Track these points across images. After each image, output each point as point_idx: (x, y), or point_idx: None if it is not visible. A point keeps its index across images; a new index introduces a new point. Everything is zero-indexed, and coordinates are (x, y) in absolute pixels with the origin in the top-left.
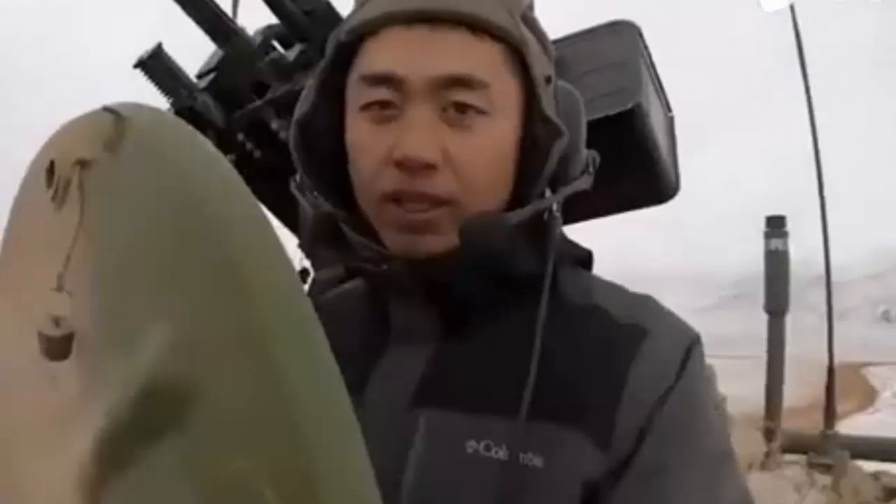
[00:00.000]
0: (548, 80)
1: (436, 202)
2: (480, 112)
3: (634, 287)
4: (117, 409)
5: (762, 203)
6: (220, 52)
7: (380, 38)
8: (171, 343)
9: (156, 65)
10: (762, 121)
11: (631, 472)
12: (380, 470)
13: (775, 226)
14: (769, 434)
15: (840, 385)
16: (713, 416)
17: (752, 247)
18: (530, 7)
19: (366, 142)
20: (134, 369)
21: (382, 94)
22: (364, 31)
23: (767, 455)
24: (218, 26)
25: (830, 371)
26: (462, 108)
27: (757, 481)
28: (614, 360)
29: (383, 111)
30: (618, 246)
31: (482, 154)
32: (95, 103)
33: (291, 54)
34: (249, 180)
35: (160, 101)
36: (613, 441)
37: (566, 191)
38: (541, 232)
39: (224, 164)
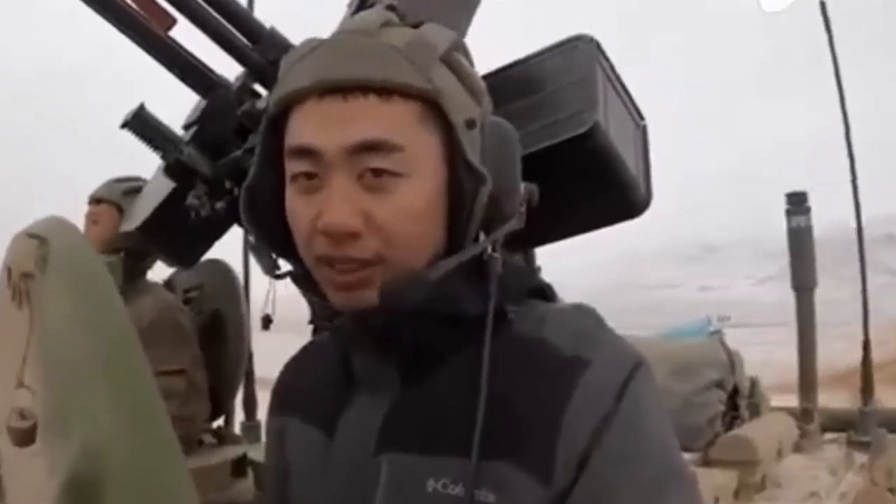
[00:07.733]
0: (471, 123)
1: (364, 264)
2: (396, 174)
3: (703, 260)
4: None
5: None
6: (203, 103)
7: (299, 110)
8: (84, 445)
9: (139, 124)
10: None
11: (572, 501)
12: None
13: (796, 202)
14: (806, 415)
15: None
16: (662, 437)
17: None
18: (454, 45)
19: (296, 211)
20: (64, 460)
21: (305, 166)
22: (287, 104)
23: (803, 436)
24: (198, 78)
25: (866, 345)
26: (377, 172)
27: (791, 463)
28: (554, 395)
29: (309, 181)
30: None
31: (403, 214)
32: None
33: (262, 102)
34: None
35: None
36: (555, 475)
37: (498, 232)
38: (483, 273)
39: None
